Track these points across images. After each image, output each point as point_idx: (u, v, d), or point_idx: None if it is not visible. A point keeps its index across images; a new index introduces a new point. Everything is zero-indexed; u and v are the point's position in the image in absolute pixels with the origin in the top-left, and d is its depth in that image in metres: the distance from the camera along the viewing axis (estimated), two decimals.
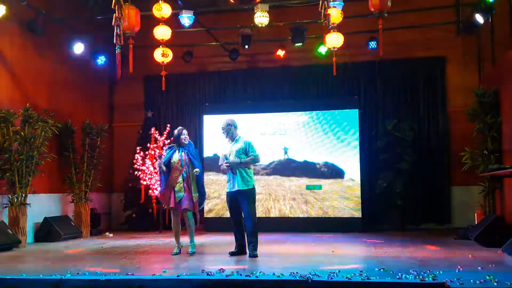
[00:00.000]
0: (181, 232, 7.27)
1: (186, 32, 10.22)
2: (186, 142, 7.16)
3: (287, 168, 10.86)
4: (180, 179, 7.01)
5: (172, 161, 7.09)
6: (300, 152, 10.82)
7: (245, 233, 6.99)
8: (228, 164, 6.91)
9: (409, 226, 10.56)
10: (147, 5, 8.01)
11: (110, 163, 12.16)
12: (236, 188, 6.92)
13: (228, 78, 12.02)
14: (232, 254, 6.95)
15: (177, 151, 7.14)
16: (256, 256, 6.74)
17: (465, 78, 10.79)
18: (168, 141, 10.88)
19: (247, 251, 6.92)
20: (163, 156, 7.21)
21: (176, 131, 7.27)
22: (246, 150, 7.00)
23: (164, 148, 10.75)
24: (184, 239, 7.35)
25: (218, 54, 11.85)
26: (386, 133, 10.63)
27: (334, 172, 10.61)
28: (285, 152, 10.91)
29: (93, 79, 11.58)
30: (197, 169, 7.00)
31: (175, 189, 7.00)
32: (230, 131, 7.09)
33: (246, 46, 10.42)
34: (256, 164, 7.61)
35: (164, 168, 7.06)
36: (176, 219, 7.16)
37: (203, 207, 7.54)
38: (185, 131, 7.23)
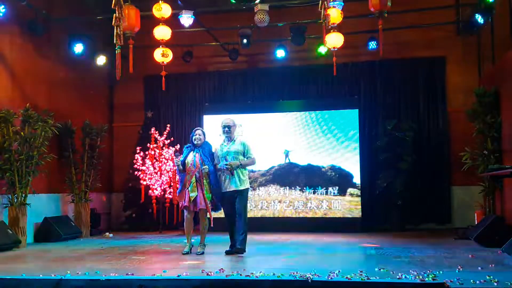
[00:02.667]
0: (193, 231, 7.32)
1: (186, 32, 10.22)
2: (199, 143, 7.16)
3: (290, 173, 10.73)
4: (193, 179, 7.03)
5: (186, 161, 7.12)
6: (301, 153, 10.78)
7: (236, 229, 7.03)
8: (228, 167, 6.96)
9: (409, 226, 10.56)
10: (147, 5, 8.01)
11: (110, 163, 12.16)
12: (232, 188, 7.02)
13: (228, 78, 12.02)
14: (228, 253, 7.02)
15: (192, 151, 7.17)
16: (243, 251, 6.90)
17: (465, 78, 10.79)
18: (168, 141, 10.90)
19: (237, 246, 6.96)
20: (180, 156, 7.26)
21: (192, 132, 7.34)
22: (244, 152, 7.12)
23: (164, 148, 10.82)
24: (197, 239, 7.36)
25: (218, 54, 11.86)
26: (386, 133, 10.64)
27: (342, 178, 10.46)
28: (286, 156, 10.85)
29: (93, 79, 11.58)
30: (205, 166, 7.01)
31: (189, 188, 7.05)
32: (233, 131, 7.21)
33: (245, 41, 10.40)
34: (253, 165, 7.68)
35: (181, 167, 7.12)
36: (188, 218, 7.19)
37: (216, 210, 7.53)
38: (198, 131, 7.25)
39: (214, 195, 7.10)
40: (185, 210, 7.25)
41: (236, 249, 6.94)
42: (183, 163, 7.14)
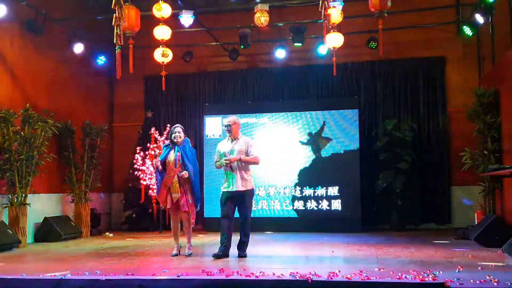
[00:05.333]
0: (181, 233, 7.15)
1: (186, 32, 10.24)
2: (179, 140, 6.93)
3: (290, 173, 10.69)
4: (176, 179, 6.82)
5: (167, 160, 6.89)
6: (301, 152, 10.78)
7: (240, 233, 6.76)
8: (227, 161, 6.63)
9: (409, 226, 10.56)
10: (147, 5, 8.00)
11: (110, 163, 12.17)
12: (235, 189, 6.68)
13: (228, 78, 12.02)
14: (216, 257, 6.61)
15: (172, 150, 6.94)
16: (245, 256, 6.70)
17: (465, 78, 10.80)
18: (168, 141, 10.86)
19: (238, 251, 6.76)
20: (159, 156, 7.10)
21: (171, 129, 7.10)
22: (248, 151, 6.80)
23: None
24: (184, 240, 7.25)
25: (218, 54, 11.86)
26: (386, 133, 10.64)
27: (343, 178, 10.45)
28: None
29: (93, 79, 11.59)
30: (184, 172, 6.77)
31: (171, 189, 6.84)
32: (236, 129, 6.86)
33: (242, 46, 10.41)
34: (256, 165, 7.43)
35: (160, 167, 6.87)
36: (174, 219, 7.06)
37: (199, 209, 7.31)
38: (177, 129, 7.00)
39: (194, 197, 6.85)
40: (170, 212, 7.11)
41: (242, 256, 6.69)
42: (163, 162, 6.90)
